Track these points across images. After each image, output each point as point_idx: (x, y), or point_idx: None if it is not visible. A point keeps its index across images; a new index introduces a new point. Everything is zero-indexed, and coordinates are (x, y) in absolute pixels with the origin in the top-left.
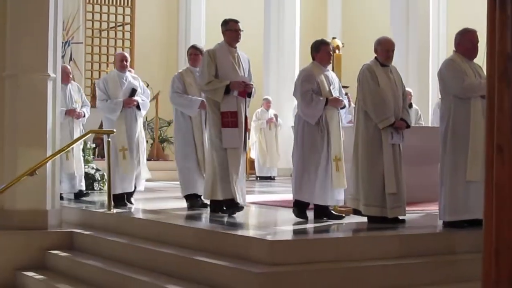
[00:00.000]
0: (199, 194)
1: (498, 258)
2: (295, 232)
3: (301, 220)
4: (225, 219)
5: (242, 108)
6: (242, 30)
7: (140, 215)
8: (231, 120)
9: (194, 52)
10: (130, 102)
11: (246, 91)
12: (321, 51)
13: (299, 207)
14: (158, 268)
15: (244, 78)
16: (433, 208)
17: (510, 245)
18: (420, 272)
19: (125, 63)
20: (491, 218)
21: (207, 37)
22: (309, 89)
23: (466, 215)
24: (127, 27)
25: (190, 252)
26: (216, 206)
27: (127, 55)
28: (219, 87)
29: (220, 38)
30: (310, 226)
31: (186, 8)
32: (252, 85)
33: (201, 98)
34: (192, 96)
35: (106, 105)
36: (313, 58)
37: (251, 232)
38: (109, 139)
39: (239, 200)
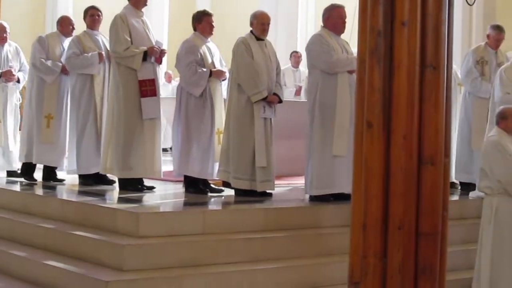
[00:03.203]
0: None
1: (365, 233)
2: (163, 204)
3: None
4: (95, 190)
5: (158, 75)
6: None
7: (4, 186)
8: (149, 89)
9: (95, 13)
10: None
11: (161, 57)
12: (203, 22)
13: (191, 183)
14: (24, 240)
15: (158, 43)
16: (300, 182)
17: (377, 220)
18: (285, 245)
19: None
20: (360, 193)
21: (74, 2)
22: (192, 61)
23: (333, 189)
24: None
25: (58, 224)
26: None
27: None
28: (137, 53)
29: (90, 3)
30: (179, 199)
31: None
32: (165, 50)
33: (96, 51)
34: (86, 54)
35: (45, 66)
36: (195, 29)
37: (118, 205)
38: None
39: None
